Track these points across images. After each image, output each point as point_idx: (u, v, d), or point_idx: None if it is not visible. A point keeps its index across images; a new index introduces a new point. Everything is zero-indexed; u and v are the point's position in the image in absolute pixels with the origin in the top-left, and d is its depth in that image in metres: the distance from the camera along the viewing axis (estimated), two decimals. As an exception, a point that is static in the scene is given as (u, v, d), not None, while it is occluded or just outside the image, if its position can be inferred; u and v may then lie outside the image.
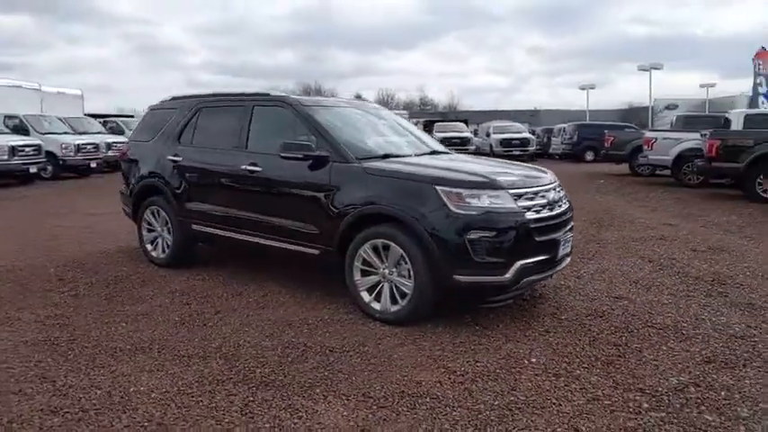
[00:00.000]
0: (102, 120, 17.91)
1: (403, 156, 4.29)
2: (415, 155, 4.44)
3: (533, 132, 24.35)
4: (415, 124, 8.25)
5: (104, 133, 16.50)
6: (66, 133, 14.54)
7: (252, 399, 2.77)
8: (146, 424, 2.54)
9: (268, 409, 2.67)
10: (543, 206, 3.74)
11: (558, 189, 4.06)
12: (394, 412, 2.66)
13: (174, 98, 5.48)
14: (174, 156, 4.98)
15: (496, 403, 2.75)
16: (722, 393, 2.82)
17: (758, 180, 9.61)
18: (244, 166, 4.41)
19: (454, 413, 2.66)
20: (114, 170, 16.52)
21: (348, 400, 2.78)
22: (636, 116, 35.65)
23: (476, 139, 24.23)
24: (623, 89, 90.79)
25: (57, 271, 5.13)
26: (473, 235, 3.44)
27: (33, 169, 12.54)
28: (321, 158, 3.99)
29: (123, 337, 3.56)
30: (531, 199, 3.70)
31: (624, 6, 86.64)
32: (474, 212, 3.46)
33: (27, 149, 12.48)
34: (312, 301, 4.25)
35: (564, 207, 4.00)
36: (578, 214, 5.33)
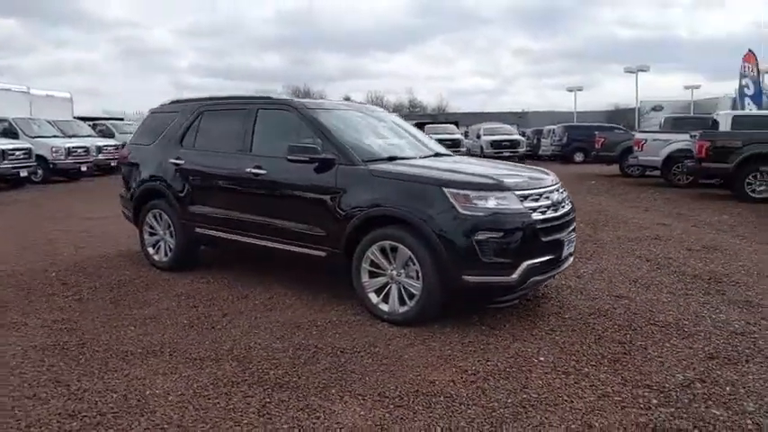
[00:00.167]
0: (91, 123, 17.73)
1: (407, 158, 4.34)
2: (419, 157, 4.49)
3: (523, 134, 24.57)
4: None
5: (94, 136, 16.35)
6: (55, 137, 14.39)
7: (268, 400, 2.80)
8: (165, 426, 2.55)
9: (285, 410, 2.70)
10: (548, 207, 3.81)
11: (561, 190, 4.13)
12: (410, 411, 2.70)
13: (174, 101, 5.48)
14: (177, 159, 4.98)
15: (510, 401, 2.80)
16: (727, 389, 2.90)
17: (747, 180, 9.80)
18: (248, 169, 4.43)
19: (469, 411, 2.70)
20: (104, 174, 16.44)
21: (364, 399, 2.81)
22: (623, 117, 36.09)
23: (466, 140, 24.38)
24: (609, 91, 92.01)
25: (58, 275, 5.10)
26: (481, 236, 3.50)
27: (24, 173, 12.40)
28: (327, 161, 4.03)
29: (133, 340, 3.56)
30: (537, 200, 3.76)
31: (610, 9, 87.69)
32: (481, 214, 3.52)
33: (17, 153, 12.35)
34: (319, 303, 4.28)
35: (567, 208, 4.07)
36: (577, 215, 5.41)
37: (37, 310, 4.17)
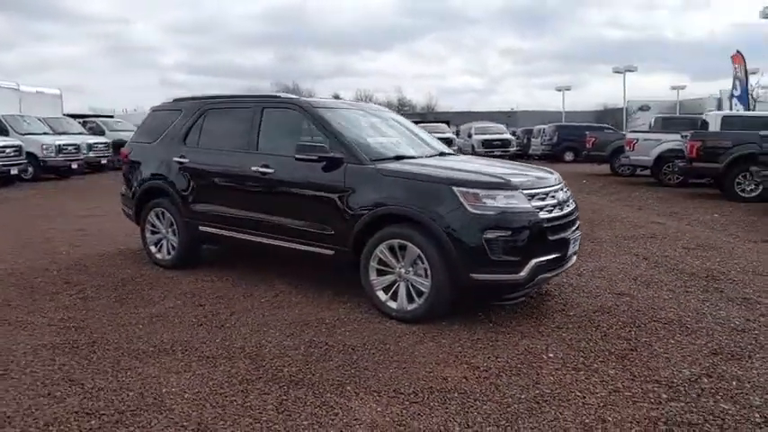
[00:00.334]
0: (81, 120, 17.52)
1: (413, 157, 4.37)
2: (425, 156, 4.52)
3: (513, 133, 24.73)
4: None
5: (85, 134, 16.16)
6: (46, 134, 14.20)
7: (285, 397, 2.82)
8: (185, 424, 2.56)
9: (303, 407, 2.72)
10: (554, 206, 3.87)
11: (565, 189, 4.19)
12: (426, 407, 2.74)
13: (177, 99, 5.45)
14: (181, 157, 4.96)
15: (523, 397, 2.84)
16: (733, 383, 2.98)
17: (737, 180, 9.98)
18: (255, 168, 4.43)
19: (484, 407, 2.75)
20: (95, 171, 16.27)
21: (380, 396, 2.84)
22: (612, 117, 36.51)
23: (457, 139, 24.48)
24: (596, 91, 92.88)
25: (60, 273, 5.06)
26: (490, 234, 3.54)
27: (14, 171, 12.23)
28: (335, 160, 4.04)
29: (143, 339, 3.55)
30: (543, 199, 3.82)
31: (598, 10, 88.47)
32: (490, 212, 3.56)
33: (8, 150, 12.17)
34: (325, 300, 4.30)
35: (572, 206, 4.13)
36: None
37: (42, 308, 4.14)
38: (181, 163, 4.94)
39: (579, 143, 19.21)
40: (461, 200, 3.58)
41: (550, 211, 3.80)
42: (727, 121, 11.63)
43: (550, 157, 21.63)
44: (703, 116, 12.55)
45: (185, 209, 4.92)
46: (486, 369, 3.15)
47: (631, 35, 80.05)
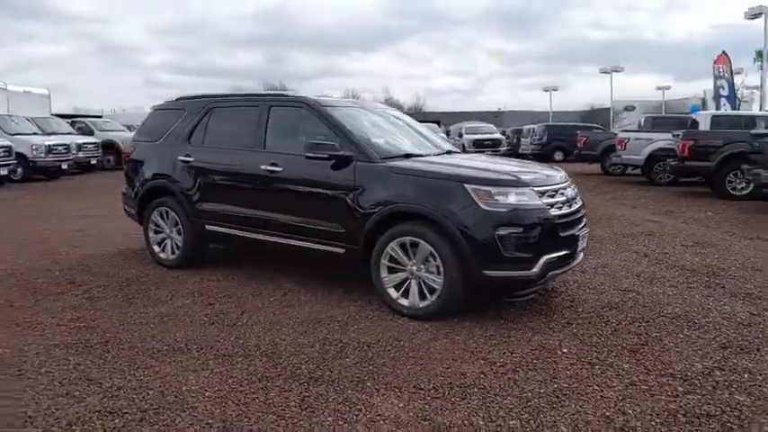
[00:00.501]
0: (69, 120, 17.27)
1: (422, 155, 4.39)
2: (433, 154, 4.54)
3: (503, 133, 24.90)
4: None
5: (74, 134, 15.94)
6: (35, 134, 13.98)
7: (306, 394, 2.82)
8: (210, 421, 2.55)
9: (326, 403, 2.72)
10: (563, 203, 3.91)
11: (572, 186, 4.24)
12: (448, 402, 2.76)
13: (180, 98, 5.41)
14: (186, 156, 4.93)
15: (542, 391, 2.88)
16: (745, 376, 3.04)
17: (728, 178, 10.16)
18: (263, 166, 4.41)
19: (505, 401, 2.77)
20: (84, 172, 16.07)
21: (400, 392, 2.86)
22: (599, 117, 36.88)
23: (448, 139, 24.55)
24: (581, 91, 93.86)
25: (63, 274, 5.00)
26: (502, 231, 3.57)
27: (4, 171, 12.04)
28: (345, 158, 4.05)
29: (156, 338, 3.53)
30: (553, 196, 3.86)
31: (581, 12, 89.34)
32: (503, 209, 3.60)
33: (-3, 150, 11.97)
34: (334, 298, 4.30)
35: (579, 203, 4.18)
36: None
37: (48, 309, 4.09)
38: (186, 162, 4.91)
39: (568, 142, 19.43)
40: (474, 197, 3.61)
41: (560, 208, 3.84)
42: (716, 121, 11.83)
43: (540, 157, 21.75)
44: (693, 116, 12.74)
45: (191, 208, 4.89)
46: (503, 364, 3.18)
47: (614, 36, 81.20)
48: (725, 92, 18.57)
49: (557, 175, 4.22)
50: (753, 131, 9.42)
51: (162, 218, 5.18)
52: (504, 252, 3.58)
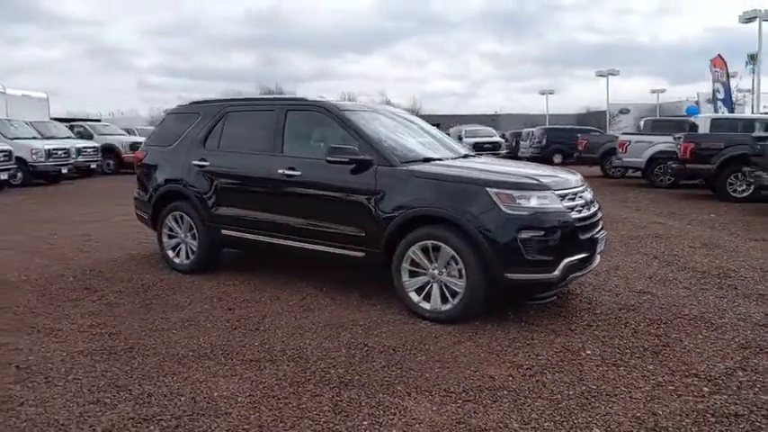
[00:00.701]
0: (68, 124, 17.19)
1: (441, 159, 4.42)
2: (450, 158, 4.57)
3: (503, 136, 25.02)
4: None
5: (73, 138, 15.88)
6: (34, 138, 13.92)
7: (338, 398, 2.83)
8: (246, 427, 2.55)
9: (359, 408, 2.73)
10: (583, 206, 3.95)
11: (589, 189, 4.28)
12: (480, 405, 2.77)
13: (194, 102, 5.42)
14: (201, 160, 4.93)
15: (571, 393, 2.90)
16: (768, 376, 3.08)
17: (729, 180, 10.26)
18: (281, 171, 4.42)
19: (536, 404, 2.79)
20: (84, 176, 16.01)
21: (432, 395, 2.87)
22: (595, 120, 37.15)
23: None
24: (575, 94, 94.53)
25: (77, 280, 4.98)
26: (524, 234, 3.60)
27: (4, 176, 11.96)
28: (366, 162, 4.07)
29: (180, 343, 3.53)
30: (573, 199, 3.90)
31: (575, 15, 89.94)
32: (525, 213, 3.63)
33: (-3, 155, 11.90)
34: (353, 303, 4.31)
35: (597, 206, 4.22)
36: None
37: (67, 315, 4.07)
38: (201, 166, 4.91)
39: (567, 145, 19.54)
40: (496, 201, 3.63)
41: (580, 211, 3.88)
42: (715, 124, 11.95)
43: (539, 160, 21.90)
44: (693, 119, 12.86)
45: (206, 212, 4.88)
46: (530, 367, 3.20)
47: (608, 39, 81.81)
48: (721, 95, 18.76)
49: (574, 178, 4.26)
50: (754, 134, 9.52)
51: (176, 222, 5.18)
52: (526, 255, 3.61)
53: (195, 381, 3.01)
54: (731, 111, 18.48)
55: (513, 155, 24.20)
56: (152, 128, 23.54)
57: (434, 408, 2.75)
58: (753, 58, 29.66)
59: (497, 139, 22.91)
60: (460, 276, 3.75)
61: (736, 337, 3.65)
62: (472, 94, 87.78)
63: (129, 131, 19.49)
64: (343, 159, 4.06)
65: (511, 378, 3.07)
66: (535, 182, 3.78)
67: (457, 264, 3.75)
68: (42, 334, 3.70)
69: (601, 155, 15.51)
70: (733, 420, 2.64)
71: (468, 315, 3.80)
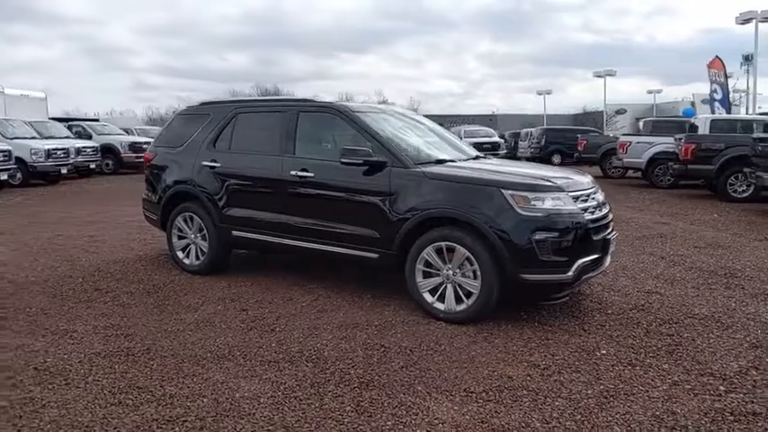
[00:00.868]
0: (66, 124, 17.11)
1: (453, 161, 4.44)
2: (462, 160, 4.59)
3: (502, 136, 25.11)
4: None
5: (72, 138, 15.81)
6: (33, 138, 13.86)
7: (360, 399, 2.84)
8: (271, 428, 2.57)
9: (382, 408, 2.75)
10: (595, 207, 3.98)
11: (600, 191, 4.32)
12: (501, 405, 2.80)
13: (203, 104, 5.43)
14: (212, 162, 4.93)
15: (590, 392, 2.93)
16: (783, 374, 3.12)
17: (729, 181, 10.33)
18: (293, 172, 4.44)
19: (556, 403, 2.82)
20: (83, 177, 15.95)
21: (452, 395, 2.89)
22: (592, 120, 37.32)
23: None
24: (572, 94, 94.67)
25: (86, 281, 4.97)
26: (539, 236, 3.63)
27: (3, 176, 11.89)
28: (379, 164, 4.09)
29: (197, 345, 3.53)
30: (586, 200, 3.93)
31: (571, 15, 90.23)
32: (540, 214, 3.65)
33: (-3, 155, 11.84)
34: (366, 303, 4.32)
35: (608, 208, 4.26)
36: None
37: (80, 316, 4.07)
38: (212, 167, 4.92)
39: (566, 145, 19.63)
40: (512, 202, 3.66)
41: (593, 213, 3.91)
42: (714, 125, 12.03)
43: (538, 160, 21.99)
44: (693, 120, 12.94)
45: (217, 213, 4.89)
46: (547, 367, 3.23)
47: (605, 40, 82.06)
48: (718, 96, 18.89)
49: (586, 179, 4.29)
50: (754, 135, 9.60)
51: (186, 223, 5.18)
52: (540, 256, 3.64)
53: (216, 382, 3.02)
54: (729, 112, 18.64)
55: (511, 155, 24.32)
56: (149, 128, 23.53)
57: (456, 408, 2.77)
58: (747, 59, 29.93)
59: (496, 139, 22.95)
60: (475, 277, 3.77)
61: (747, 336, 3.69)
62: (469, 93, 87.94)
63: (128, 131, 19.44)
64: (356, 161, 4.07)
65: (529, 378, 3.09)
66: (549, 183, 3.81)
67: (471, 265, 3.77)
68: (57, 335, 3.69)
69: (600, 155, 15.59)
70: (751, 419, 2.67)
71: (483, 315, 3.82)
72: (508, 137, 25.64)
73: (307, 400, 2.84)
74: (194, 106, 5.48)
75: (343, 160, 4.10)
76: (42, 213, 9.36)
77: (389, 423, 2.62)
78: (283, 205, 4.55)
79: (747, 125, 12.09)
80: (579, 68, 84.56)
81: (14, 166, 12.44)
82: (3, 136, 12.98)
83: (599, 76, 33.35)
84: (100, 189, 13.76)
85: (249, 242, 4.85)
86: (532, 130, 22.66)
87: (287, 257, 5.57)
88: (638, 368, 3.22)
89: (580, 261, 3.73)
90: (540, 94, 40.11)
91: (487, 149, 21.89)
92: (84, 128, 17.51)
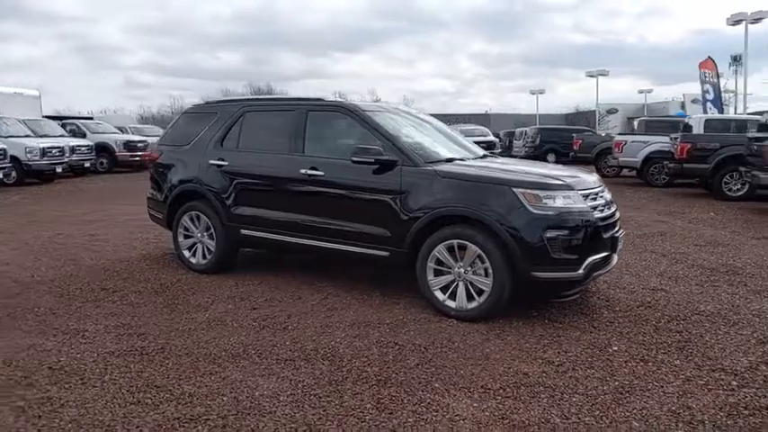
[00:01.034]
0: (60, 122, 16.94)
1: (462, 159, 4.46)
2: (470, 159, 4.62)
3: (497, 135, 25.21)
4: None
5: (66, 136, 15.66)
6: (28, 136, 13.71)
7: (380, 396, 2.86)
8: (293, 425, 2.57)
9: (402, 405, 2.77)
10: (604, 205, 4.02)
11: (607, 190, 4.36)
12: (520, 401, 2.82)
13: (209, 102, 5.41)
14: (219, 160, 4.92)
15: (606, 388, 2.96)
16: (792, 369, 3.17)
17: (724, 180, 10.46)
18: (303, 171, 4.44)
19: (573, 399, 2.85)
20: (77, 175, 15.80)
21: (471, 392, 2.92)
22: (584, 119, 37.57)
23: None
24: (563, 94, 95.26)
25: (92, 280, 4.94)
26: (550, 234, 3.66)
27: (-1, 174, 11.78)
28: (390, 162, 4.10)
29: (211, 343, 3.53)
30: (595, 199, 3.97)
31: (563, 16, 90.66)
32: (551, 212, 3.69)
33: (-8, 154, 11.71)
34: (375, 301, 4.34)
35: (615, 206, 4.30)
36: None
37: (89, 316, 4.05)
38: (220, 166, 4.90)
39: (560, 145, 19.76)
40: (523, 200, 3.69)
41: (602, 211, 3.95)
42: (709, 124, 12.17)
43: (533, 159, 22.12)
44: (687, 120, 13.08)
45: (225, 212, 4.88)
46: (561, 363, 3.26)
47: (596, 40, 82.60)
48: (710, 96, 19.09)
49: (592, 178, 4.33)
50: (750, 135, 9.73)
51: (193, 222, 5.16)
52: (552, 254, 3.67)
53: (234, 380, 3.02)
54: (721, 112, 18.85)
55: (506, 155, 24.42)
56: (143, 126, 23.34)
57: (475, 404, 2.79)
58: (735, 60, 30.34)
59: (491, 138, 23.05)
60: (486, 275, 3.80)
61: (754, 332, 3.75)
62: (462, 93, 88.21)
63: (122, 130, 19.28)
64: (368, 159, 4.08)
65: (544, 374, 3.12)
66: (560, 182, 3.84)
67: (483, 262, 3.80)
68: (68, 335, 3.67)
69: (596, 155, 15.70)
70: (766, 413, 2.72)
71: (494, 313, 3.85)
72: (503, 136, 25.75)
73: (326, 397, 2.85)
74: (201, 105, 5.46)
75: (355, 159, 4.10)
76: (39, 212, 9.28)
77: (411, 420, 2.64)
78: (293, 204, 4.55)
79: (741, 125, 12.25)
80: (570, 68, 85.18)
81: (9, 165, 12.31)
82: (-4, 134, 12.84)
83: (591, 76, 33.60)
84: (95, 188, 13.65)
85: (258, 241, 4.85)
86: (527, 129, 22.78)
87: (293, 256, 5.57)
88: (650, 364, 3.26)
89: (590, 259, 3.77)
90: (534, 94, 40.37)
91: (483, 148, 22.01)
92: (78, 126, 17.34)
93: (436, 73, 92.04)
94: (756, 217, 8.55)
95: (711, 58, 19.35)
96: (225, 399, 2.82)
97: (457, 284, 3.93)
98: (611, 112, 41.29)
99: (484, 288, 3.82)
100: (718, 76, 19.42)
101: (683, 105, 36.11)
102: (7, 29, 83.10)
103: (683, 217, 8.55)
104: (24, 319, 3.98)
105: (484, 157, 4.86)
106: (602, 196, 4.08)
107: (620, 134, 14.79)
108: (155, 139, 18.00)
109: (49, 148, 13.53)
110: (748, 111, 21.24)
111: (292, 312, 4.11)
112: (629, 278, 5.07)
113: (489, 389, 2.95)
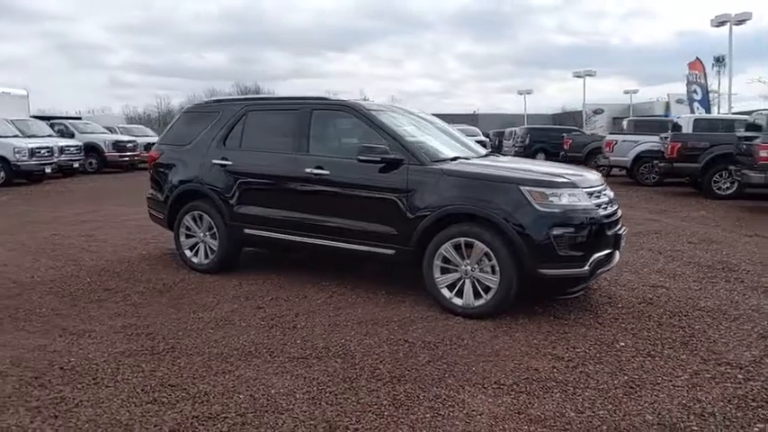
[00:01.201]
0: (48, 122, 16.71)
1: (467, 158, 4.50)
2: (476, 157, 4.66)
3: (486, 135, 25.33)
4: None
5: (54, 136, 15.45)
6: (16, 136, 13.51)
7: (395, 393, 2.88)
8: (312, 423, 2.59)
9: (418, 401, 2.79)
10: (607, 203, 4.09)
11: (609, 188, 4.43)
12: (533, 397, 2.86)
13: (211, 101, 5.39)
14: (222, 159, 4.90)
15: (616, 383, 3.02)
16: (795, 362, 3.25)
17: (714, 179, 10.64)
18: (308, 170, 4.44)
19: (586, 394, 2.90)
20: (66, 176, 15.60)
21: (485, 388, 2.95)
22: (571, 119, 37.90)
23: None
24: (549, 94, 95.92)
25: (94, 280, 4.90)
26: (557, 231, 3.71)
27: (-13, 175, 11.58)
28: (397, 161, 4.12)
29: (221, 343, 3.52)
30: (599, 196, 4.03)
31: (548, 17, 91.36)
32: (557, 210, 3.74)
33: (-21, 154, 11.52)
34: (381, 300, 4.36)
35: (617, 204, 4.37)
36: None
37: (94, 316, 4.02)
38: (223, 165, 4.89)
39: (550, 144, 19.92)
40: (530, 198, 3.74)
41: (606, 208, 4.01)
42: (698, 124, 12.37)
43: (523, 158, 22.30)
44: (676, 119, 13.27)
45: (228, 212, 4.86)
46: (570, 359, 3.31)
47: (581, 41, 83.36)
48: (698, 96, 19.40)
49: (595, 176, 4.39)
50: (739, 134, 9.92)
51: (195, 222, 5.13)
52: (558, 251, 3.72)
53: (248, 379, 3.02)
54: (708, 111, 19.16)
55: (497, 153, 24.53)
56: (132, 126, 23.09)
57: (490, 400, 2.83)
58: (719, 61, 30.90)
59: (482, 138, 23.14)
60: (493, 272, 3.84)
61: (755, 327, 3.83)
62: (448, 93, 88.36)
63: (111, 130, 19.07)
64: (374, 158, 4.10)
65: (555, 370, 3.17)
66: (565, 180, 3.90)
67: (490, 260, 3.83)
68: (75, 336, 3.64)
69: (586, 154, 15.88)
70: (772, 405, 2.79)
71: (500, 310, 3.89)
72: (492, 136, 25.90)
73: (342, 394, 2.86)
74: (201, 104, 5.44)
75: (361, 158, 4.12)
76: (32, 213, 9.15)
77: (428, 415, 2.67)
78: (298, 203, 4.56)
79: (729, 124, 12.46)
80: (556, 69, 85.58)
81: (-2, 165, 12.13)
82: (-16, 134, 12.64)
83: (578, 77, 33.93)
84: (84, 188, 13.49)
85: (262, 240, 4.84)
86: (516, 129, 22.93)
87: (295, 255, 5.57)
88: (657, 359, 3.32)
89: (595, 256, 3.83)
90: (521, 94, 40.64)
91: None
92: (66, 126, 17.12)
93: (423, 73, 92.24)
94: (746, 215, 8.72)
95: (699, 59, 19.68)
96: (241, 397, 2.82)
97: (464, 282, 3.96)
98: (598, 112, 41.64)
99: (491, 285, 3.85)
100: (705, 77, 19.76)
101: (667, 105, 36.64)
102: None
103: (674, 215, 8.69)
104: (28, 319, 3.94)
105: (487, 155, 4.91)
106: (604, 194, 4.14)
107: (611, 134, 14.99)
108: (144, 140, 18.05)
109: (37, 148, 13.35)
110: (733, 110, 21.64)
111: (299, 311, 4.11)
112: (628, 275, 5.15)
113: (503, 384, 2.99)
